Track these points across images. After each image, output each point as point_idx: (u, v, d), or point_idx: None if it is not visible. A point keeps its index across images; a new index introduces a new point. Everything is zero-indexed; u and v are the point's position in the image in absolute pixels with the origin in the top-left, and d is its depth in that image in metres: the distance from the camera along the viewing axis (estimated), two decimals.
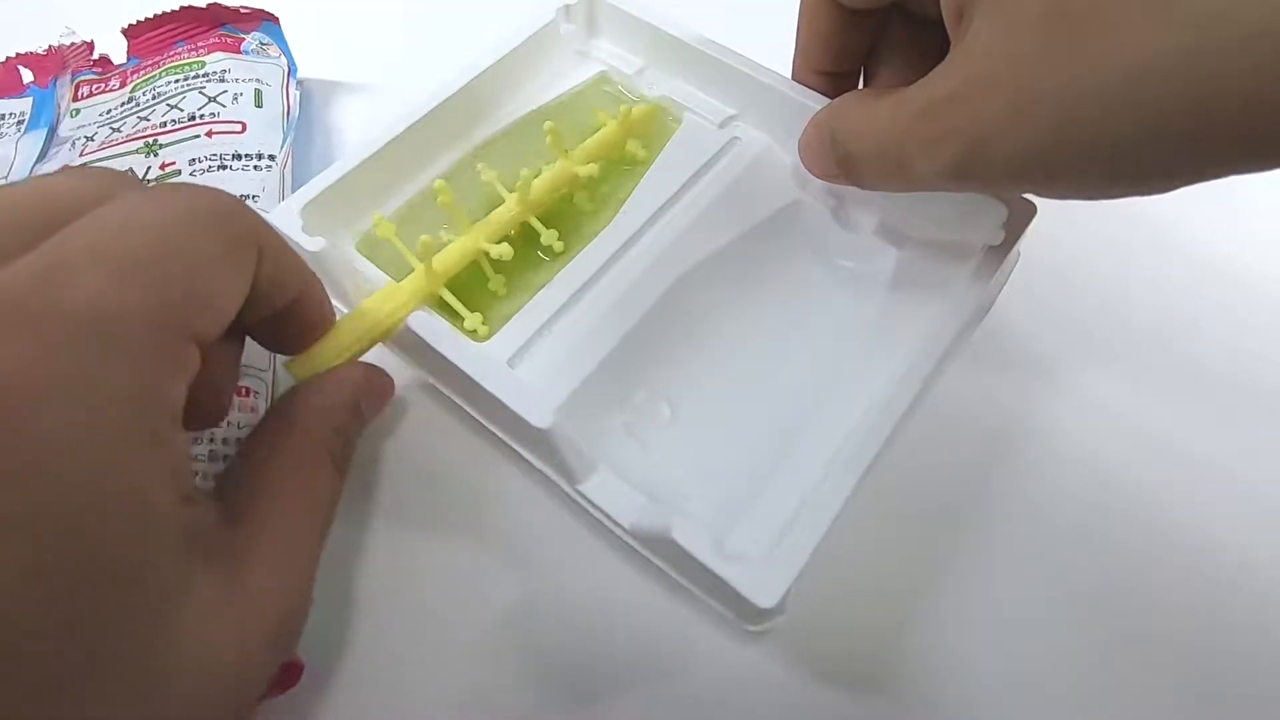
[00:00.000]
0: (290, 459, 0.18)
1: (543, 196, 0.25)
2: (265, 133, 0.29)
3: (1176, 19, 0.14)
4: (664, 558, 0.21)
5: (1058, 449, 0.25)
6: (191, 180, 0.27)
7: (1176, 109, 0.15)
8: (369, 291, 0.22)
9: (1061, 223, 0.26)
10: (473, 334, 0.24)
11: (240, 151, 0.28)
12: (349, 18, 0.36)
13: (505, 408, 0.20)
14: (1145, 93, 0.15)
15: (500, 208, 0.25)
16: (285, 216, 0.23)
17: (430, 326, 0.22)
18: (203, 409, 0.18)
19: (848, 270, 0.26)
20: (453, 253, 0.23)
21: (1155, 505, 0.24)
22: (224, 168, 0.27)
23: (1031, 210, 0.24)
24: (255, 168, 0.28)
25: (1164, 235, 0.30)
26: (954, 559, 0.23)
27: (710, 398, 0.24)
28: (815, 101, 0.25)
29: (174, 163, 0.27)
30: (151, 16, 0.32)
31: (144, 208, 0.15)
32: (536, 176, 0.25)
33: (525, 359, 0.23)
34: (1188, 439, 0.25)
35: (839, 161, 0.22)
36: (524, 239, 0.26)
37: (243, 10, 0.32)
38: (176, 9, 0.31)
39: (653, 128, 0.28)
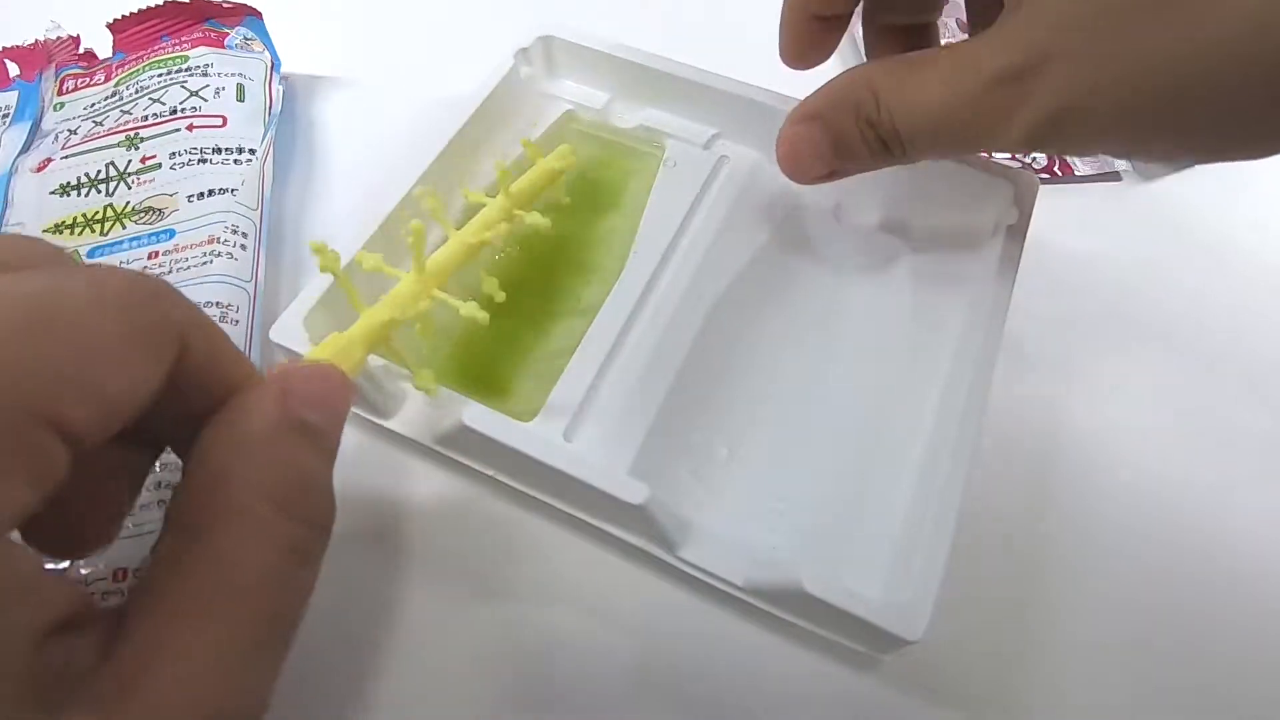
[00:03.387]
0: (215, 538, 0.13)
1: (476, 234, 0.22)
2: (246, 127, 0.29)
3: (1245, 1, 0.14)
4: (779, 605, 0.21)
5: (1101, 450, 0.25)
6: (171, 173, 0.27)
7: (1249, 83, 0.15)
8: (391, 390, 0.22)
9: (1058, 218, 0.26)
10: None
11: (221, 145, 0.28)
12: (332, 13, 0.36)
13: (591, 489, 0.20)
14: (1252, 52, 0.14)
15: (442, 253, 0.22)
16: (288, 332, 0.21)
17: (485, 420, 0.20)
18: (80, 531, 0.15)
19: (863, 266, 0.26)
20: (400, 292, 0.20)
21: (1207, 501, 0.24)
22: (204, 161, 0.28)
23: (1035, 186, 0.24)
24: (235, 161, 0.28)
25: (1171, 224, 0.30)
26: (1032, 571, 0.23)
27: (764, 427, 0.24)
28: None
29: (154, 156, 0.28)
30: (136, 11, 0.32)
31: (43, 280, 0.12)
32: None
33: (579, 431, 0.22)
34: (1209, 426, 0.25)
35: (884, 138, 0.20)
36: (539, 296, 0.24)
37: (227, 5, 0.32)
38: (161, 4, 0.32)
39: (547, 186, 0.25)
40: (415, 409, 0.22)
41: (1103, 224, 0.29)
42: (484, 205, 0.23)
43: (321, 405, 0.15)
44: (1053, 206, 0.24)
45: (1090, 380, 0.26)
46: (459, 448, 0.22)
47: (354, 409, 0.23)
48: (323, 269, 0.19)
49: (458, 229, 0.22)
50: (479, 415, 0.20)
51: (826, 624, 0.20)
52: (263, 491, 0.13)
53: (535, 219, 0.23)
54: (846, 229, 0.26)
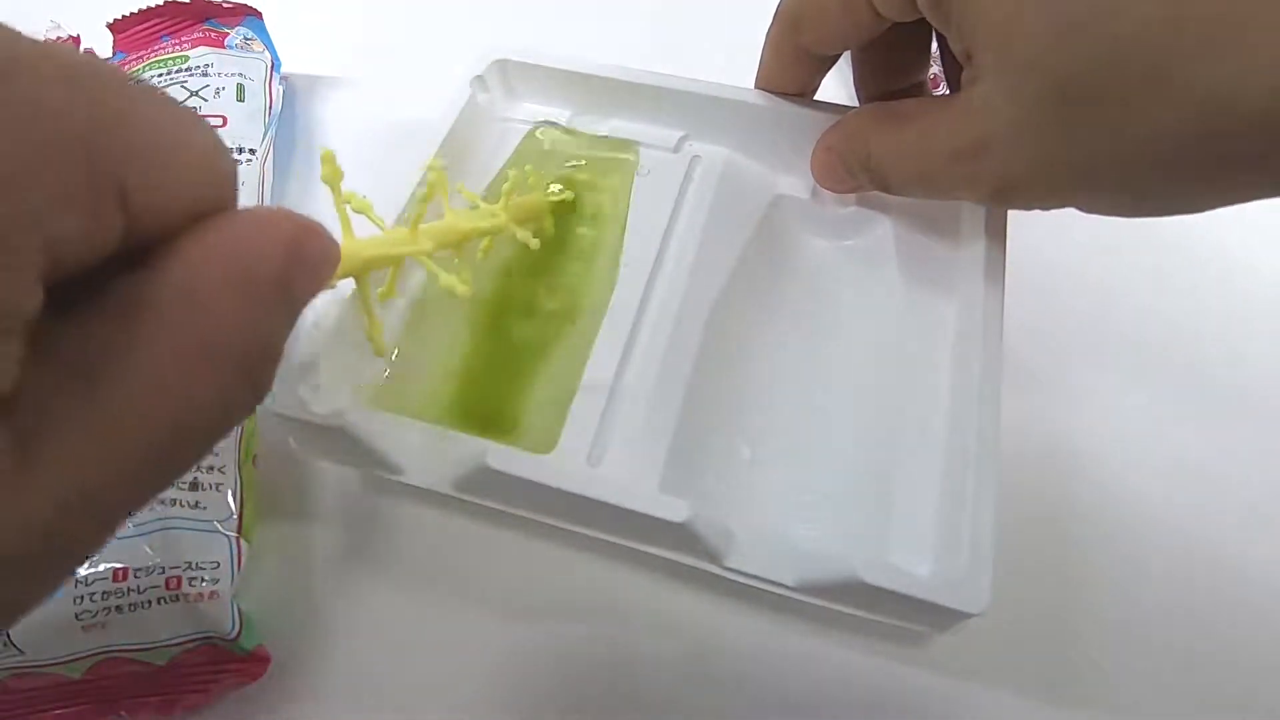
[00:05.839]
0: (158, 352, 0.11)
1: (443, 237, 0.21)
2: (246, 127, 0.29)
3: (1179, 101, 0.16)
4: (834, 599, 0.20)
5: (1103, 458, 0.25)
6: None
7: (1178, 174, 0.17)
8: (405, 443, 0.21)
9: (1048, 231, 0.26)
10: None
11: None
12: (332, 13, 0.36)
13: (628, 513, 0.19)
14: (1154, 160, 0.17)
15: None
16: (288, 398, 0.20)
17: (509, 459, 0.20)
18: None
19: (851, 247, 0.26)
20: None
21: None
22: None
23: None
24: (236, 161, 0.28)
25: (1156, 235, 0.29)
26: (1064, 545, 0.24)
27: (780, 422, 0.23)
28: (763, 100, 0.25)
29: None
30: (137, 11, 0.32)
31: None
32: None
33: (603, 456, 0.21)
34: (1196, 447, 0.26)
35: (874, 181, 0.23)
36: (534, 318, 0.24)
37: (227, 5, 0.32)
38: (161, 4, 0.32)
39: (539, 215, 0.25)
40: (428, 459, 0.22)
41: (1086, 223, 0.29)
42: (478, 206, 0.23)
43: (317, 277, 0.13)
44: (1028, 219, 0.24)
45: (1075, 396, 0.26)
46: (481, 491, 0.22)
47: (365, 468, 0.22)
48: (325, 179, 0.17)
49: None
50: (502, 456, 0.20)
51: (883, 609, 0.20)
52: (235, 349, 0.11)
53: (526, 236, 0.22)
54: (826, 211, 0.26)
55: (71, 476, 0.10)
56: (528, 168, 0.24)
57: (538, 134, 0.28)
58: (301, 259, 0.12)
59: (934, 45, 0.24)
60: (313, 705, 0.22)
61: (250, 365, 0.12)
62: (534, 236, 0.23)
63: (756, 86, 0.25)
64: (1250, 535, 0.24)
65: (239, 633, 0.21)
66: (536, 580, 0.24)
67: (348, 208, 0.18)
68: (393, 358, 0.23)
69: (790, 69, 0.24)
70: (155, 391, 0.11)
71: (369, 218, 0.19)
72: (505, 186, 0.23)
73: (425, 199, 0.19)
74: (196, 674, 0.21)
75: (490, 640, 0.23)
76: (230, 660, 0.21)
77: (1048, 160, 0.18)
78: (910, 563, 0.20)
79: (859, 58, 0.24)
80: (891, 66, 0.24)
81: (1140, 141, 0.16)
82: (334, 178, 0.18)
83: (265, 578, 0.23)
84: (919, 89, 0.24)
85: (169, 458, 0.11)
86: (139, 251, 0.11)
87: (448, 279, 0.19)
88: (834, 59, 0.24)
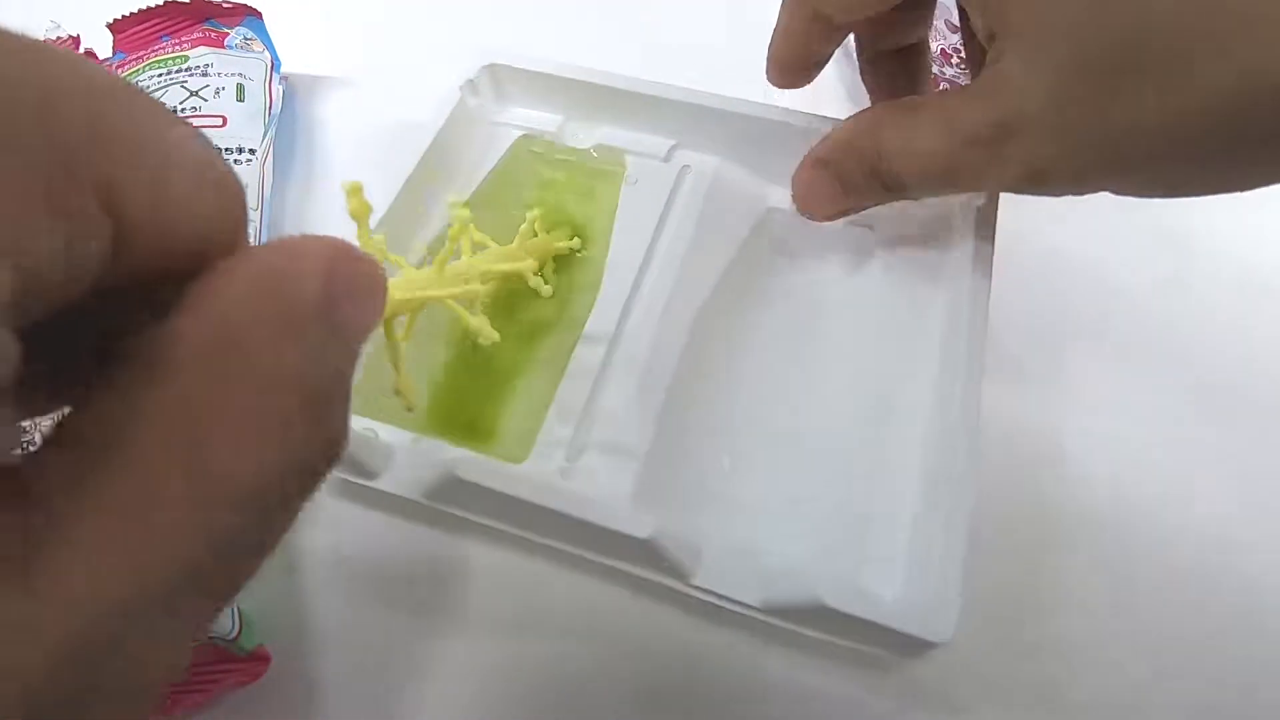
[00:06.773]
0: (205, 418, 0.09)
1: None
2: (246, 126, 0.29)
3: (1213, 76, 0.15)
4: (799, 622, 0.20)
5: (1095, 449, 0.25)
6: None
7: (1212, 150, 0.16)
8: (378, 448, 0.21)
9: (1042, 222, 0.26)
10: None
11: (220, 145, 0.28)
12: (332, 13, 0.36)
13: (593, 527, 0.19)
14: (1186, 136, 0.16)
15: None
16: None
17: (476, 468, 0.20)
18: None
19: (837, 262, 0.26)
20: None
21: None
22: None
23: None
24: (236, 161, 0.28)
25: (1155, 231, 0.29)
26: (1036, 570, 0.23)
27: (761, 434, 0.23)
28: (758, 110, 0.25)
29: None
30: (137, 11, 0.32)
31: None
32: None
33: (576, 465, 0.21)
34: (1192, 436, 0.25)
35: (884, 186, 0.22)
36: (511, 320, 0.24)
37: (227, 5, 0.32)
38: (161, 4, 0.32)
39: (545, 258, 0.24)
40: (402, 465, 0.21)
41: (1079, 217, 0.29)
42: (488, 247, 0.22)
43: (369, 306, 0.11)
44: (1023, 209, 0.24)
45: (1067, 389, 0.26)
46: (451, 499, 0.22)
47: (337, 471, 0.22)
48: (352, 213, 0.15)
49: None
50: (469, 464, 0.20)
51: (846, 633, 0.20)
52: (292, 381, 0.09)
53: (538, 283, 0.23)
54: (815, 225, 0.26)
55: (102, 587, 0.08)
56: (535, 211, 0.24)
57: (524, 138, 0.28)
58: (343, 284, 0.10)
59: (934, 47, 0.24)
60: (313, 705, 0.22)
61: (318, 414, 0.10)
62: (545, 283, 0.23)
63: (769, 55, 0.25)
64: (1238, 549, 0.24)
65: (239, 633, 0.21)
66: (511, 592, 0.23)
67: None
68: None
69: (805, 36, 0.23)
70: (206, 469, 0.09)
71: (383, 257, 0.18)
72: (522, 228, 0.23)
73: (455, 238, 0.19)
74: (196, 674, 0.21)
75: (467, 653, 0.22)
76: (230, 660, 0.21)
77: (1078, 138, 0.17)
78: (879, 581, 0.20)
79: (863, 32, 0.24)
80: (894, 25, 0.23)
81: (1172, 117, 0.16)
82: (361, 212, 0.15)
83: (265, 578, 0.23)
84: (919, 49, 0.24)
85: (242, 542, 0.10)
86: (151, 298, 0.09)
87: (476, 323, 0.19)
88: (847, 30, 0.23)
